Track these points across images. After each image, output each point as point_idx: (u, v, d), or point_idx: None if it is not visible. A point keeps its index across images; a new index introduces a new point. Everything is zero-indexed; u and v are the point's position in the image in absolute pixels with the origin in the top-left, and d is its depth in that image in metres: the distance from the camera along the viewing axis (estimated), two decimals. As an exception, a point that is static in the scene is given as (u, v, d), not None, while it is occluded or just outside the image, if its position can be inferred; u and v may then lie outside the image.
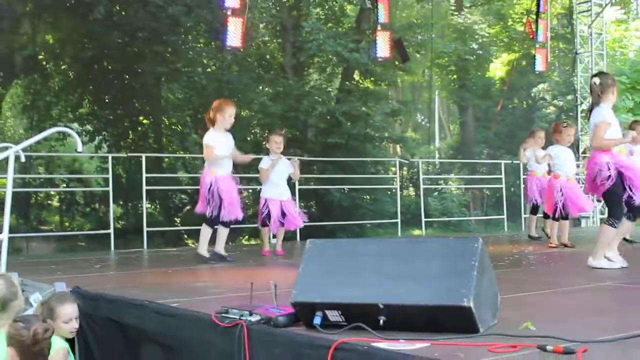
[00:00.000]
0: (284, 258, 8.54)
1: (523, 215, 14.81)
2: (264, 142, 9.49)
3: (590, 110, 6.67)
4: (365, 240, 3.65)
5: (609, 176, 6.33)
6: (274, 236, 9.93)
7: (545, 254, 8.51)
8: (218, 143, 7.76)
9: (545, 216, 10.25)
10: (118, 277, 6.94)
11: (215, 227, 7.91)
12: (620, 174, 6.36)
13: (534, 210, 10.78)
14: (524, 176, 11.52)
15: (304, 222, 9.33)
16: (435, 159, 23.80)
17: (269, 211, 8.73)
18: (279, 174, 8.89)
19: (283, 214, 8.85)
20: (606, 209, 6.98)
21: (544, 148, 10.24)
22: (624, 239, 9.77)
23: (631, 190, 6.36)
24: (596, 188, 6.56)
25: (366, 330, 3.22)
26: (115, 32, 15.17)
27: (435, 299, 3.22)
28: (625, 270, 6.57)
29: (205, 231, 7.88)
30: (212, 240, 7.95)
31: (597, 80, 6.57)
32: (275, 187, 8.84)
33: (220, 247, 7.99)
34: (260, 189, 9.14)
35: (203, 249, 7.90)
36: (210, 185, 7.70)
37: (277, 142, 8.98)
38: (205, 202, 7.79)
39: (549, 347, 2.88)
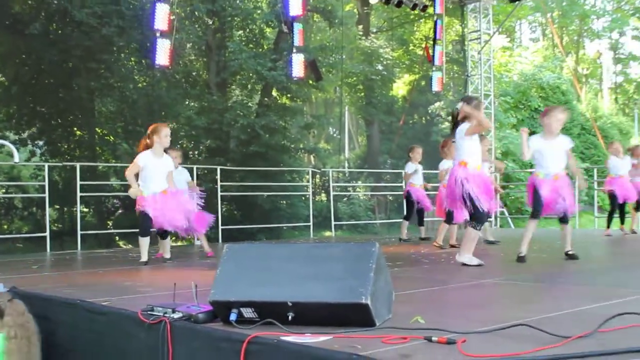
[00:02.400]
0: (212, 259, 8.32)
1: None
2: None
3: (453, 127, 6.86)
4: (277, 244, 3.61)
5: (462, 187, 6.54)
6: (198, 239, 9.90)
7: (436, 254, 8.44)
8: (147, 163, 7.62)
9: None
10: (53, 278, 6.67)
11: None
12: (468, 186, 6.54)
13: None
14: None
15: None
16: (344, 168, 23.90)
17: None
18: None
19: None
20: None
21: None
22: (486, 240, 10.07)
23: (472, 201, 6.50)
24: (454, 198, 6.73)
25: (276, 325, 3.24)
26: (52, 49, 14.91)
27: (337, 297, 3.24)
28: (500, 267, 6.75)
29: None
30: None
31: (460, 104, 6.82)
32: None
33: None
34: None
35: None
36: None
37: (173, 157, 8.48)
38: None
39: (434, 338, 2.96)
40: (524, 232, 7.33)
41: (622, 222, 11.82)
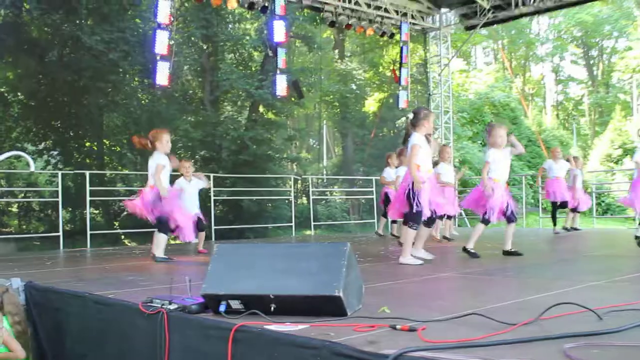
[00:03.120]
0: (204, 255, 8.24)
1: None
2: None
3: (406, 137, 6.69)
4: (261, 245, 3.57)
5: (409, 190, 6.36)
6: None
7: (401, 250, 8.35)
8: (166, 164, 7.40)
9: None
10: (65, 273, 6.60)
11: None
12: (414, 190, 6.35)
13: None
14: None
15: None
16: (323, 175, 23.92)
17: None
18: (190, 193, 8.46)
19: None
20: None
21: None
22: (444, 237, 10.05)
23: (418, 203, 6.31)
24: (402, 200, 6.51)
25: (260, 315, 3.24)
26: (65, 71, 14.84)
27: (313, 290, 3.25)
28: (455, 262, 6.71)
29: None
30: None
31: (410, 116, 6.70)
32: (189, 203, 8.31)
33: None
34: None
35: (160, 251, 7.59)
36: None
37: (186, 167, 8.61)
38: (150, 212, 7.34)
39: (398, 326, 2.96)
40: (474, 231, 7.31)
41: (554, 223, 11.62)
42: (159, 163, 7.34)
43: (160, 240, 7.53)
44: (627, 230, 11.10)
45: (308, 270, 3.34)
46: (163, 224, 7.44)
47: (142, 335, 3.71)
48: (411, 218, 6.44)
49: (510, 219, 7.15)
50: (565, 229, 11.72)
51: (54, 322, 4.78)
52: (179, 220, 7.53)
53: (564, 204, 11.37)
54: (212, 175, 12.65)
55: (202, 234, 8.84)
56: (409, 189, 6.36)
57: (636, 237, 8.85)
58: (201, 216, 8.62)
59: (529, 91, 41.94)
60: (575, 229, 11.84)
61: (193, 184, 8.61)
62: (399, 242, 9.45)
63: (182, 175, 8.57)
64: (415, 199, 6.32)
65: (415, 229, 6.46)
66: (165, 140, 7.48)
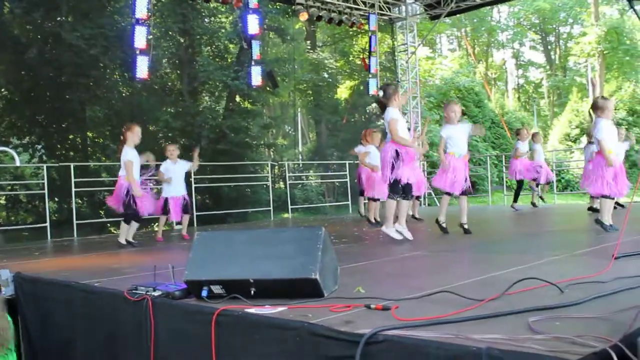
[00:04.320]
0: (188, 242, 8.22)
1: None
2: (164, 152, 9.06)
3: (382, 111, 6.61)
4: (239, 231, 3.55)
5: (393, 163, 6.32)
6: (178, 223, 9.74)
7: (374, 231, 8.22)
8: (134, 159, 7.52)
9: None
10: (52, 262, 6.51)
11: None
12: (399, 160, 6.30)
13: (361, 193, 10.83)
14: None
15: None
16: (298, 160, 23.90)
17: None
18: (176, 174, 8.56)
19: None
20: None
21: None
22: (413, 216, 10.05)
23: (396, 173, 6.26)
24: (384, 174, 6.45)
25: (241, 299, 3.24)
26: (47, 67, 14.57)
27: (291, 274, 3.24)
28: (425, 242, 6.66)
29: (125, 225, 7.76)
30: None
31: (380, 92, 6.58)
32: (175, 184, 8.53)
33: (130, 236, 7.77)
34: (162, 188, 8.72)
35: (122, 238, 7.74)
36: (127, 190, 7.47)
37: (171, 150, 8.73)
38: (120, 202, 7.54)
39: (372, 306, 2.97)
40: (441, 204, 7.32)
41: (515, 199, 11.67)
42: (127, 159, 7.45)
43: (124, 228, 7.72)
44: (585, 205, 11.23)
45: (285, 255, 3.32)
46: (129, 215, 7.58)
47: (128, 321, 3.69)
48: (390, 189, 6.43)
49: (465, 192, 7.15)
50: (533, 204, 11.87)
51: (43, 311, 4.73)
52: (144, 209, 7.67)
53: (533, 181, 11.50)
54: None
55: (187, 217, 8.81)
56: (392, 161, 6.33)
57: (590, 208, 8.95)
58: (187, 198, 8.65)
59: (491, 76, 42.18)
60: (541, 198, 12.04)
61: (179, 166, 8.66)
62: (368, 221, 9.49)
63: (167, 158, 8.64)
64: (395, 170, 6.31)
65: (393, 199, 6.42)
66: (136, 132, 7.57)
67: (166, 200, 8.45)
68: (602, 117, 6.52)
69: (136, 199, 7.47)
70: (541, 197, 12.02)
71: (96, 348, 4.10)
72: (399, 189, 6.40)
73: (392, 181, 6.37)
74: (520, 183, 11.53)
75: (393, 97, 6.50)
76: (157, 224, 9.65)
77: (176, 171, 8.56)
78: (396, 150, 6.34)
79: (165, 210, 8.45)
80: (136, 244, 7.79)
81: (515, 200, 11.68)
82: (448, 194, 7.18)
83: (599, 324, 2.48)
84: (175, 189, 8.52)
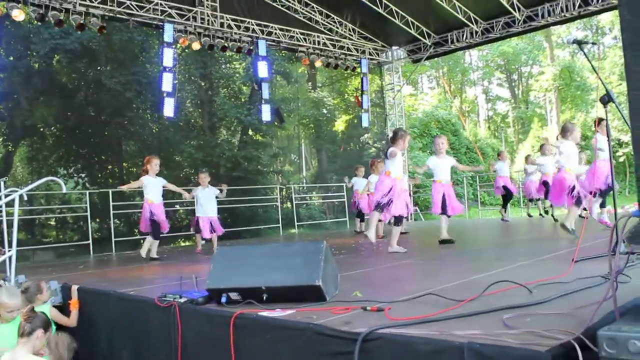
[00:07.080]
0: (207, 255, 8.14)
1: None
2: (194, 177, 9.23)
3: (387, 148, 6.70)
4: (253, 246, 3.49)
5: (386, 194, 6.45)
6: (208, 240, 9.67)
7: (370, 243, 8.12)
8: (148, 184, 7.68)
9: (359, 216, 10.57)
10: (94, 274, 6.54)
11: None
12: (393, 194, 6.45)
13: (359, 215, 10.79)
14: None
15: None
16: (303, 183, 23.86)
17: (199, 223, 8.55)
18: (206, 198, 8.57)
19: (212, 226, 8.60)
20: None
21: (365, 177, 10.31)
22: (362, 232, 9.93)
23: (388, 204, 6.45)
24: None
25: (255, 304, 3.24)
26: (89, 108, 14.71)
27: (297, 281, 3.25)
28: (413, 251, 6.64)
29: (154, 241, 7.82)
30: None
31: (390, 133, 6.89)
32: (205, 206, 8.56)
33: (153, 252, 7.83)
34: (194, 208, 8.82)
35: (145, 251, 7.83)
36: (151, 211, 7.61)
37: (202, 178, 8.78)
38: (145, 222, 7.69)
39: (368, 308, 2.96)
40: (442, 224, 7.30)
41: (505, 208, 11.58)
42: (142, 179, 7.74)
43: (146, 244, 7.87)
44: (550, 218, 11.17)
45: (293, 265, 3.32)
46: (154, 231, 7.72)
47: (158, 325, 3.68)
48: (395, 220, 6.63)
49: (445, 212, 7.16)
50: (541, 215, 12.11)
51: (85, 316, 4.72)
52: (164, 228, 7.82)
53: (511, 195, 11.58)
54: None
55: (215, 235, 8.74)
56: (388, 191, 6.48)
57: (554, 219, 8.87)
58: (215, 220, 8.64)
59: (465, 109, 42.26)
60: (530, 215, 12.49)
61: (208, 191, 8.67)
62: (365, 236, 9.43)
63: (199, 184, 8.78)
64: (395, 203, 6.50)
65: (399, 226, 6.70)
66: (154, 164, 7.71)
67: (197, 219, 8.48)
68: (569, 140, 6.59)
69: (157, 220, 7.51)
70: (545, 214, 12.08)
71: (130, 347, 4.08)
72: (400, 218, 6.67)
73: (393, 212, 6.53)
74: (504, 197, 11.51)
75: (399, 140, 6.66)
76: (179, 240, 9.67)
77: (206, 196, 8.58)
78: (391, 181, 6.53)
79: (197, 228, 8.47)
80: (159, 258, 7.81)
81: (504, 211, 11.55)
82: (444, 213, 7.19)
83: (564, 319, 2.46)
84: (204, 210, 8.54)
